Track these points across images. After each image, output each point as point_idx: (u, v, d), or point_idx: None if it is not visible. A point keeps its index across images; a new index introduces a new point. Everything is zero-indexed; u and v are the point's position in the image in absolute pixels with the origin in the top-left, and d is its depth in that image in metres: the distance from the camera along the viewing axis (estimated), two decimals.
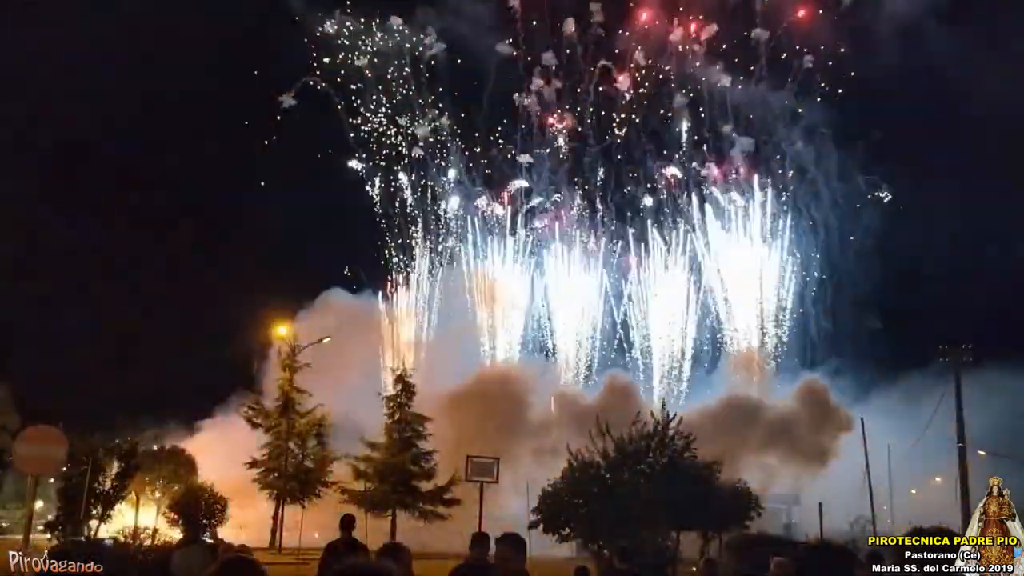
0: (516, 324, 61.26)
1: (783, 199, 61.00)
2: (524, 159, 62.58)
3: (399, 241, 62.31)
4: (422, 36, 62.53)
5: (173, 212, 64.25)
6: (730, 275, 60.55)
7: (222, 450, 42.65)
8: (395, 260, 62.12)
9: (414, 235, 62.47)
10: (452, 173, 62.91)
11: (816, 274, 61.13)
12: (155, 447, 41.59)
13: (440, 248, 62.57)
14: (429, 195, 62.98)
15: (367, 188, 62.20)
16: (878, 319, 55.33)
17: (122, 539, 24.44)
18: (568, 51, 62.75)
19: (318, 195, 63.08)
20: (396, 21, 62.52)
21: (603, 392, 54.22)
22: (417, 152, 62.35)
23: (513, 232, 61.74)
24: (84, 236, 63.50)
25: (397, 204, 62.37)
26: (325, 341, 43.28)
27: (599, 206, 62.37)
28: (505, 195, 62.41)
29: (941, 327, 45.88)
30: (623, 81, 62.44)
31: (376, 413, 39.00)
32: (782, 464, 51.38)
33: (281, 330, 44.84)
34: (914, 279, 56.32)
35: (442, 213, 62.91)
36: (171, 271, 64.05)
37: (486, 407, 49.50)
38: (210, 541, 15.41)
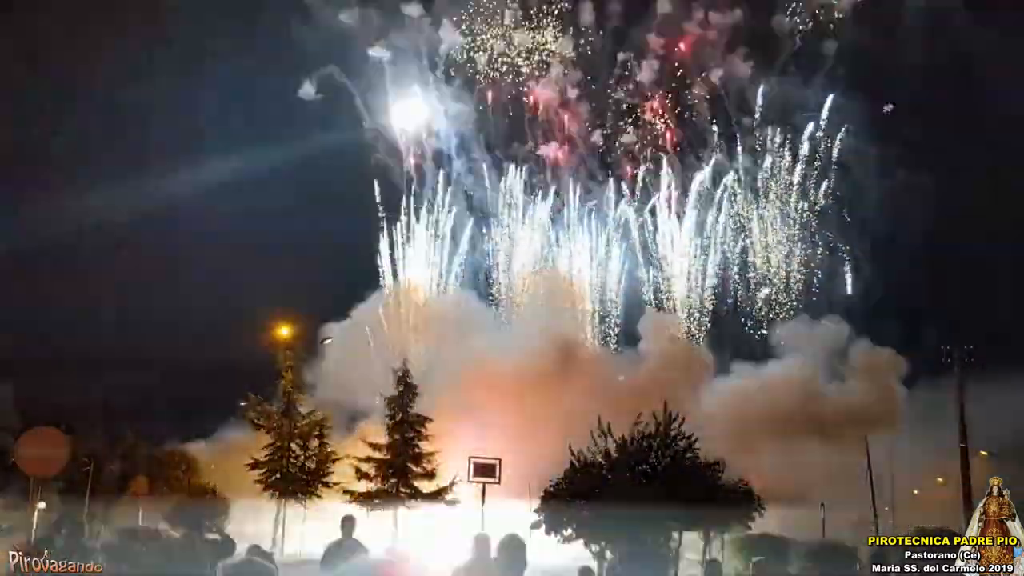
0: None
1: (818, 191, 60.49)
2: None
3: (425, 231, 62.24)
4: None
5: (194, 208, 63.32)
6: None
7: (240, 452, 42.63)
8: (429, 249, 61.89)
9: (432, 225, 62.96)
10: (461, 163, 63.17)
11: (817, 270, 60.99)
12: (158, 448, 41.57)
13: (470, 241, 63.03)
14: (450, 186, 63.20)
15: (395, 180, 62.19)
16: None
17: (123, 540, 24.44)
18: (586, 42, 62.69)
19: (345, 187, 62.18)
20: (414, 11, 62.64)
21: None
22: (436, 144, 62.83)
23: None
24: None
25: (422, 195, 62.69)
26: (326, 343, 43.44)
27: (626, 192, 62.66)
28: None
29: (959, 327, 44.65)
30: (644, 72, 62.36)
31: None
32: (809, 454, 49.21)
33: (283, 331, 44.86)
34: (944, 276, 54.64)
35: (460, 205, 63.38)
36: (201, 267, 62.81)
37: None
38: (217, 537, 15.41)
